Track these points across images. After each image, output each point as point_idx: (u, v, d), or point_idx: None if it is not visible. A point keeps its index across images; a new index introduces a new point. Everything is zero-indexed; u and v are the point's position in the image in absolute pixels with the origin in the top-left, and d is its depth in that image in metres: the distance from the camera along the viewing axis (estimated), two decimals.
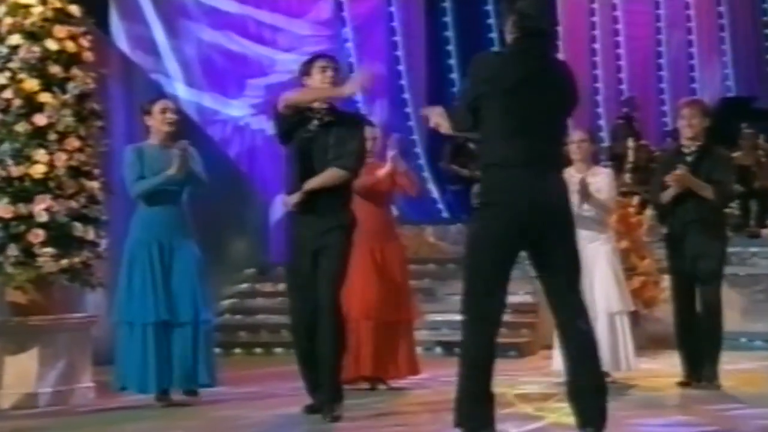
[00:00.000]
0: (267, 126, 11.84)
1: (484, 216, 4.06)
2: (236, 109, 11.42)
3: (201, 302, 6.03)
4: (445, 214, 12.91)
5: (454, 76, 13.76)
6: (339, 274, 5.36)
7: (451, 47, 13.78)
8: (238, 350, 9.56)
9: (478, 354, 4.09)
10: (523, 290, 8.71)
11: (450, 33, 13.75)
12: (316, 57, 5.70)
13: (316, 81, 5.50)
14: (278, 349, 9.89)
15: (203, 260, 6.14)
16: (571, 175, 6.44)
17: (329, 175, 5.39)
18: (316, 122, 5.44)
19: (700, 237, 6.05)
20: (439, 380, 7.03)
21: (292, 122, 5.44)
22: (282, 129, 5.50)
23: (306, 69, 5.58)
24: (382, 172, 6.48)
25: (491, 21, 14.04)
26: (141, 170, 5.96)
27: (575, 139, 6.61)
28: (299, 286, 5.45)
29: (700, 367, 6.12)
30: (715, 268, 6.09)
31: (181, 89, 10.82)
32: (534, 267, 4.19)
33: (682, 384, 6.13)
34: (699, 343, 6.12)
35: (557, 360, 6.43)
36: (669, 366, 7.60)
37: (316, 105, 5.47)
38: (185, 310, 5.95)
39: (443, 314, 9.78)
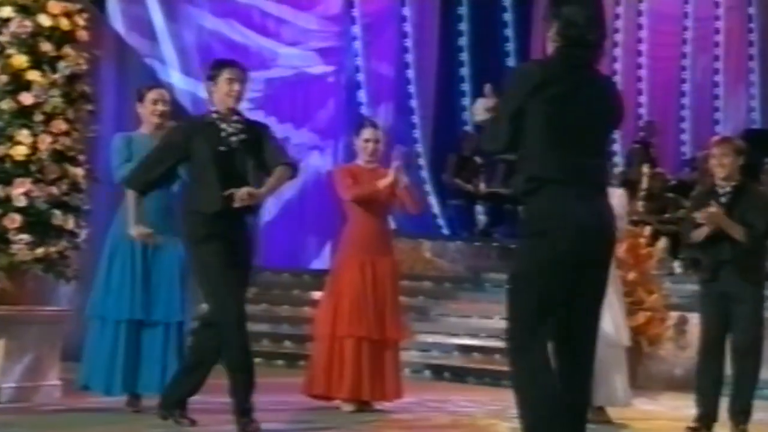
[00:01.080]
0: (265, 122, 11.88)
1: (534, 245, 3.82)
2: None
3: (178, 304, 6.03)
4: (444, 230, 12.92)
5: (466, 87, 13.79)
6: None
7: (464, 56, 13.80)
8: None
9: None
10: None
11: (464, 40, 13.77)
12: (224, 65, 5.65)
13: (221, 92, 5.50)
14: (258, 359, 9.87)
15: (187, 260, 6.13)
16: None
17: (281, 175, 5.49)
18: (234, 137, 5.48)
19: (733, 279, 6.04)
20: (425, 405, 7.05)
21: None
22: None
23: (213, 75, 5.56)
24: (383, 182, 6.48)
25: (509, 32, 14.08)
26: (129, 157, 5.96)
27: None
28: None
29: (715, 412, 6.11)
30: (750, 315, 6.07)
31: (176, 77, 10.83)
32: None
33: (693, 429, 6.11)
34: (719, 389, 6.11)
35: None
36: (670, 408, 7.61)
37: (224, 115, 5.50)
38: (160, 310, 5.96)
39: (434, 335, 9.81)
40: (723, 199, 6.10)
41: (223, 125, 5.50)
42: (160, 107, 6.07)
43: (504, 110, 3.94)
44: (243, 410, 5.39)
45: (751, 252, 6.04)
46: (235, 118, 5.54)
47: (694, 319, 8.40)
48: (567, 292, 3.83)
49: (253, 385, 5.44)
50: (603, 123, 4.03)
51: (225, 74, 5.52)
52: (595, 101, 3.96)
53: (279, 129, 11.96)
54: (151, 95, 6.13)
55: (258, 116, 11.75)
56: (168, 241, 5.91)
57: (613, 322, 6.42)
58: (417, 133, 13.09)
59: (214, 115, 5.54)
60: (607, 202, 4.00)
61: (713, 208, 5.98)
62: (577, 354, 3.90)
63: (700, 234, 6.06)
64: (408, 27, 13.03)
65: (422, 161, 13.10)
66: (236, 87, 5.50)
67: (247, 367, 5.46)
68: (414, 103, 13.18)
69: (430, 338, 9.71)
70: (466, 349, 9.53)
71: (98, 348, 5.94)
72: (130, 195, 5.58)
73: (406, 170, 6.67)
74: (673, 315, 8.95)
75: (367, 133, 6.69)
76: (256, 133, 5.60)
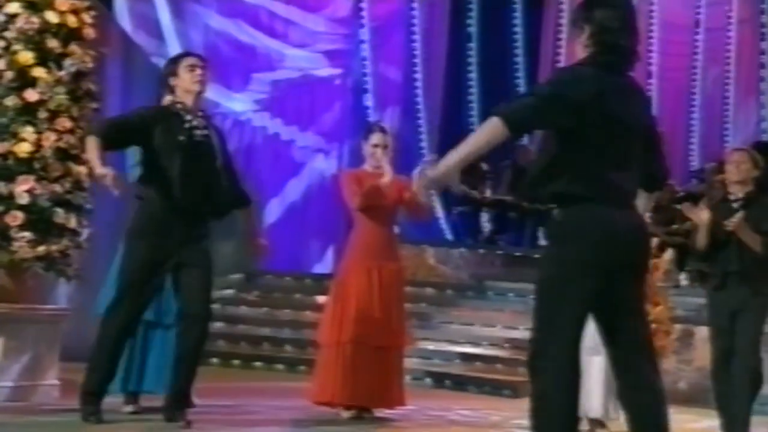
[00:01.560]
0: (269, 124, 11.91)
1: (570, 261, 3.72)
2: (238, 103, 11.46)
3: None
4: (448, 236, 12.92)
5: (473, 90, 13.80)
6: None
7: (472, 59, 13.81)
8: (215, 360, 9.54)
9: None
10: (523, 325, 8.72)
11: (473, 44, 13.78)
12: (182, 55, 5.75)
13: (185, 81, 5.54)
14: (258, 363, 9.91)
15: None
16: None
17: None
18: (197, 130, 5.52)
19: (741, 290, 6.05)
20: (425, 413, 7.05)
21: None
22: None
23: (172, 69, 5.59)
24: (384, 181, 6.47)
25: (518, 35, 14.08)
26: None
27: None
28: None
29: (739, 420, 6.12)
30: (752, 323, 6.07)
31: None
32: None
33: None
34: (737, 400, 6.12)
35: None
36: (674, 422, 7.57)
37: (189, 107, 5.51)
38: (173, 312, 6.00)
39: (436, 343, 9.81)
40: (735, 206, 6.11)
41: (188, 116, 5.53)
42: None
43: (546, 90, 3.74)
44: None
45: (759, 262, 6.04)
46: (200, 113, 5.59)
47: (700, 333, 8.41)
48: (604, 298, 3.78)
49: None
50: (638, 133, 3.90)
51: (184, 62, 5.57)
52: (632, 112, 3.85)
53: (284, 131, 12.01)
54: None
55: (263, 118, 11.83)
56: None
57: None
58: (423, 138, 13.10)
59: (179, 106, 5.55)
60: (639, 213, 3.94)
61: (738, 217, 5.98)
62: (633, 354, 3.83)
63: (700, 238, 6.07)
64: (417, 29, 13.03)
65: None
66: (199, 72, 5.52)
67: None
68: (421, 107, 13.19)
69: (432, 345, 9.72)
70: (467, 358, 9.53)
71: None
72: (91, 140, 5.45)
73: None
74: (678, 328, 8.92)
75: (375, 138, 6.68)
76: (219, 137, 5.70)
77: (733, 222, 5.97)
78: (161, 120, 5.52)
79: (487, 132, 3.74)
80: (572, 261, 3.72)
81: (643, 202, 4.11)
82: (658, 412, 3.90)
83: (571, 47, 11.94)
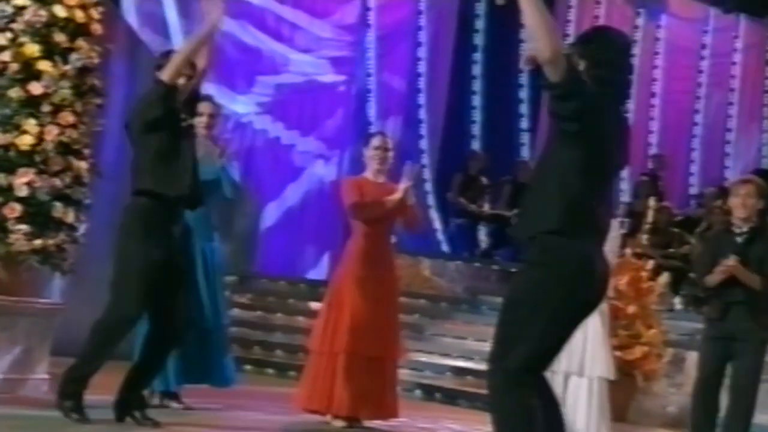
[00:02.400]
0: (270, 127, 11.92)
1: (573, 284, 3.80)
2: (241, 105, 11.48)
3: (218, 306, 6.33)
4: (445, 248, 12.93)
5: (476, 102, 13.82)
6: None
7: (477, 71, 13.84)
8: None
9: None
10: None
11: (478, 55, 13.81)
12: (173, 51, 5.86)
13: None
14: (248, 366, 9.91)
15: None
16: None
17: None
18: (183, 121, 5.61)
19: (742, 321, 6.05)
20: (415, 425, 7.05)
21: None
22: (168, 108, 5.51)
23: (163, 63, 5.64)
24: (392, 200, 6.49)
25: (523, 48, 14.11)
26: None
27: None
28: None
29: None
30: (752, 357, 6.07)
31: None
32: None
33: None
34: (713, 427, 6.12)
35: None
36: None
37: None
38: (199, 312, 6.14)
39: (429, 355, 9.81)
40: (739, 239, 6.12)
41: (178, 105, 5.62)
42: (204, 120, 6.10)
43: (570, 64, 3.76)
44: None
45: (762, 295, 6.05)
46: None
47: (691, 357, 8.41)
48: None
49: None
50: (619, 167, 4.01)
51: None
52: (618, 145, 3.92)
53: (285, 135, 12.03)
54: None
55: (265, 121, 11.85)
56: (205, 246, 6.18)
57: (593, 354, 6.40)
58: (424, 149, 13.12)
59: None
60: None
61: (732, 262, 6.00)
62: None
63: (713, 280, 6.08)
64: (423, 38, 13.06)
65: (427, 176, 13.13)
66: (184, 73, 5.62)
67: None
68: (423, 118, 13.20)
69: (424, 357, 9.71)
70: (459, 372, 9.53)
71: None
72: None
73: (414, 188, 6.69)
74: (670, 351, 8.95)
75: (377, 141, 6.75)
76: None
77: (728, 266, 5.98)
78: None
79: (549, 23, 3.74)
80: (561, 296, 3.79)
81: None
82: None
83: None
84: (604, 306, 6.51)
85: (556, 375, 6.22)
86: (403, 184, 6.49)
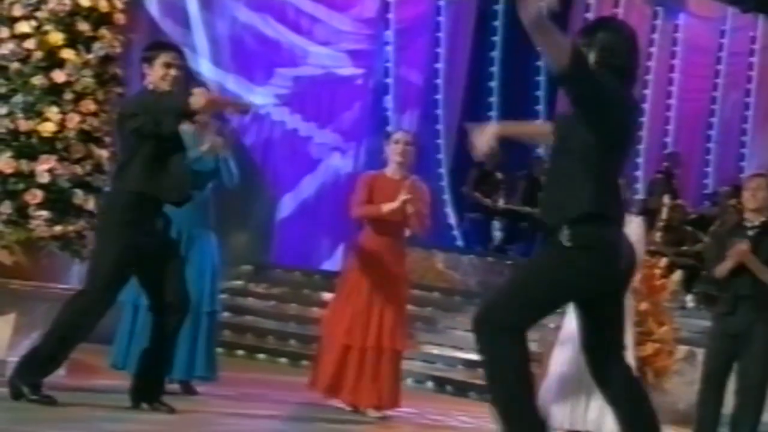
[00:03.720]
0: (288, 119, 11.96)
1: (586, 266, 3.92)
2: (260, 97, 11.51)
3: (209, 294, 6.28)
4: (459, 242, 12.95)
5: (493, 99, 13.82)
6: None
7: (494, 69, 13.84)
8: (219, 349, 9.56)
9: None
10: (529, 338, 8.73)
11: (496, 53, 13.81)
12: (161, 49, 5.58)
13: (156, 75, 5.45)
14: (261, 355, 9.97)
15: (220, 250, 6.41)
16: None
17: None
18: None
19: (751, 315, 6.05)
20: (426, 416, 7.09)
21: None
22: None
23: (149, 57, 5.50)
24: (388, 207, 6.51)
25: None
26: None
27: None
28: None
29: None
30: (761, 353, 6.07)
31: (205, 66, 10.92)
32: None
33: None
34: (717, 423, 6.13)
35: (553, 413, 6.48)
36: None
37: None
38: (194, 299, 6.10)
39: (440, 347, 9.84)
40: (750, 233, 6.12)
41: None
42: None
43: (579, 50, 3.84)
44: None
45: None
46: None
47: (702, 355, 8.41)
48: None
49: None
50: (630, 150, 4.15)
51: (161, 58, 5.48)
52: (633, 130, 4.06)
53: (303, 127, 12.06)
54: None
55: (283, 113, 11.88)
56: (202, 233, 6.18)
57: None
58: (440, 143, 13.13)
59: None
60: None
61: (744, 246, 6.00)
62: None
63: (723, 268, 6.08)
64: (442, 35, 13.06)
65: (443, 170, 13.14)
66: (172, 72, 5.46)
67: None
68: (440, 112, 13.21)
69: (436, 350, 9.74)
70: (471, 364, 9.54)
71: (131, 332, 6.13)
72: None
73: (415, 201, 6.63)
74: (682, 349, 8.95)
75: (398, 135, 6.88)
76: None
77: (740, 250, 5.98)
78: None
79: (559, 38, 3.80)
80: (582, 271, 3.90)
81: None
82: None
83: None
84: (627, 303, 6.53)
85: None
86: (402, 197, 6.51)
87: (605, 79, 3.87)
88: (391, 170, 6.74)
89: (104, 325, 6.26)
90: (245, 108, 6.13)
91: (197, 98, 5.23)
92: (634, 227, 6.56)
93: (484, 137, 4.16)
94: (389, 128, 11.62)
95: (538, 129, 4.30)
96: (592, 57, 3.93)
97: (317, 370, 6.66)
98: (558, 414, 6.42)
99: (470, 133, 4.28)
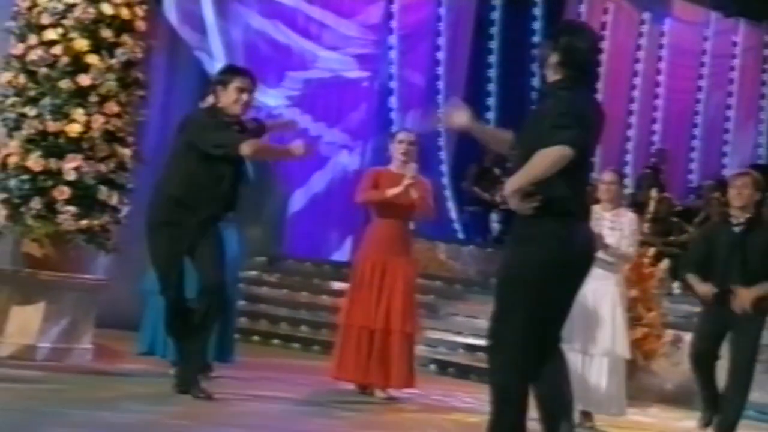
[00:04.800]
0: (299, 119, 11.94)
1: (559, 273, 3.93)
2: (272, 99, 11.50)
3: (230, 284, 6.21)
4: (460, 235, 12.94)
5: (491, 100, 13.81)
6: None
7: (492, 71, 13.83)
8: (235, 335, 9.57)
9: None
10: None
11: (493, 58, 13.80)
12: (237, 74, 5.55)
13: (230, 98, 5.45)
14: (275, 340, 9.98)
15: (241, 243, 6.45)
16: (597, 213, 6.52)
17: None
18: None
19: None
20: (429, 397, 7.09)
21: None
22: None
23: (224, 80, 5.49)
24: (392, 191, 6.51)
25: (535, 52, 14.08)
26: None
27: (605, 180, 6.68)
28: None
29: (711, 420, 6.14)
30: (750, 338, 6.04)
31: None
32: None
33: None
34: (716, 399, 6.14)
35: None
36: (660, 420, 7.64)
37: (231, 119, 5.46)
38: None
39: (443, 333, 9.84)
40: (736, 229, 6.10)
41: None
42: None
43: (580, 120, 3.92)
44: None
45: (758, 280, 6.03)
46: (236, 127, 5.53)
47: (688, 338, 8.40)
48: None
49: None
50: (596, 145, 4.20)
51: (236, 83, 5.46)
52: (598, 127, 4.09)
53: (313, 127, 12.04)
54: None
55: (294, 113, 11.86)
56: (225, 227, 6.11)
57: (613, 335, 6.45)
58: (441, 141, 13.11)
59: (226, 119, 5.47)
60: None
61: (744, 297, 5.96)
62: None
63: (706, 293, 6.06)
64: (442, 41, 13.05)
65: (444, 167, 13.14)
66: (244, 97, 5.46)
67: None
68: (441, 111, 13.19)
69: (438, 335, 9.75)
70: (471, 348, 9.56)
71: (158, 319, 6.08)
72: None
73: (418, 187, 6.62)
74: (669, 333, 8.95)
75: (402, 134, 6.90)
76: None
77: (738, 303, 5.95)
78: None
79: (555, 158, 3.87)
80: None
81: None
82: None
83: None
84: (619, 289, 6.55)
85: (589, 356, 6.29)
86: (406, 181, 6.51)
87: (583, 115, 3.95)
88: (395, 167, 6.74)
89: (128, 312, 6.30)
90: (292, 127, 6.13)
91: (246, 148, 5.32)
92: (628, 221, 6.57)
93: (458, 120, 4.23)
94: (393, 128, 11.61)
95: (499, 136, 4.38)
96: (555, 58, 4.03)
97: (340, 359, 6.58)
98: None
99: (451, 108, 4.39)
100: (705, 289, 6.06)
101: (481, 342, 9.75)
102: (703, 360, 6.13)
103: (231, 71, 5.66)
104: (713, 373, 6.13)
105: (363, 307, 6.52)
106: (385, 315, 6.52)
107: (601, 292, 6.41)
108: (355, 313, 6.54)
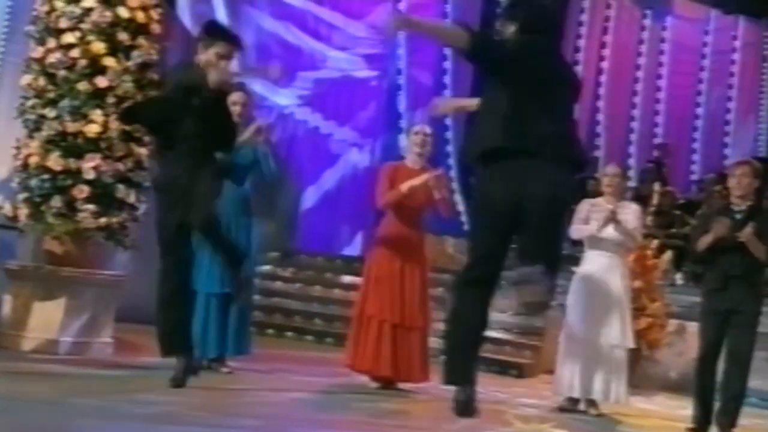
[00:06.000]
0: (310, 118, 11.97)
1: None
2: (283, 98, 11.53)
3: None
4: (467, 228, 12.93)
5: None
6: None
7: None
8: (251, 328, 9.60)
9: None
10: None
11: None
12: (218, 37, 5.30)
13: (209, 61, 5.22)
14: (289, 333, 10.00)
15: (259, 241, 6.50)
16: (601, 205, 6.52)
17: None
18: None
19: (739, 293, 6.00)
20: (439, 387, 7.06)
21: None
22: None
23: (206, 42, 5.29)
24: (407, 184, 6.47)
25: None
26: None
27: (609, 173, 6.68)
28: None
29: (710, 415, 6.11)
30: (747, 325, 6.03)
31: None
32: None
33: (692, 430, 6.11)
34: (714, 393, 6.11)
35: (560, 382, 6.49)
36: (664, 408, 7.63)
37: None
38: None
39: None
40: (737, 216, 6.08)
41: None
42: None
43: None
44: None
45: (758, 267, 6.02)
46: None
47: (691, 328, 8.41)
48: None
49: None
50: (573, 95, 4.40)
51: (216, 48, 5.27)
52: (559, 79, 4.26)
53: (324, 125, 12.07)
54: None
55: (305, 112, 11.89)
56: (245, 222, 6.26)
57: (620, 325, 6.45)
58: (449, 137, 13.11)
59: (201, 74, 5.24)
60: None
61: (725, 220, 5.96)
62: None
63: (704, 242, 6.03)
64: None
65: (452, 162, 13.12)
66: (222, 64, 5.25)
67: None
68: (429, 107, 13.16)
69: None
70: None
71: (207, 320, 6.17)
72: None
73: (440, 186, 6.59)
74: (673, 323, 8.95)
75: (418, 127, 6.91)
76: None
77: (745, 233, 5.93)
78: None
79: (452, 31, 4.18)
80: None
81: None
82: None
83: (588, 54, 11.94)
84: (624, 282, 6.55)
85: (594, 346, 6.30)
86: (425, 176, 6.49)
87: (510, 49, 4.15)
88: (410, 161, 6.72)
89: (147, 306, 6.30)
90: (275, 73, 6.02)
91: (213, 75, 5.10)
92: (631, 214, 6.56)
93: (445, 107, 4.59)
94: (405, 124, 11.60)
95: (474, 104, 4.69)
96: (512, 27, 4.22)
97: (356, 349, 6.56)
98: (568, 383, 6.44)
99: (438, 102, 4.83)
100: (720, 224, 5.98)
101: (489, 333, 9.75)
102: (711, 359, 6.10)
103: (214, 33, 5.39)
104: (714, 376, 6.10)
105: (383, 301, 6.47)
106: (407, 310, 6.50)
107: (605, 284, 6.42)
108: (374, 306, 6.49)
